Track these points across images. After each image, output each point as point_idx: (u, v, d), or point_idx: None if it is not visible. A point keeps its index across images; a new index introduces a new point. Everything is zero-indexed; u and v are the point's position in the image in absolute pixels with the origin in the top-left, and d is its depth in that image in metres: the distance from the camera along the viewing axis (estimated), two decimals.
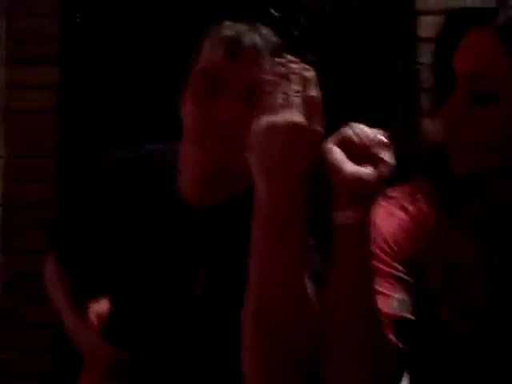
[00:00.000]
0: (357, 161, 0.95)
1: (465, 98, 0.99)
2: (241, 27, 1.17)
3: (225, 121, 1.11)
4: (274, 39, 1.18)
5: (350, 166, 0.94)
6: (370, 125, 0.99)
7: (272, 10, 2.25)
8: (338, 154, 0.95)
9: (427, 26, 2.16)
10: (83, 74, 2.41)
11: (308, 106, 0.91)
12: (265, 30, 1.19)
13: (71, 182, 1.49)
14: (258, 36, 1.16)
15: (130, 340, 1.24)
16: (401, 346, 1.00)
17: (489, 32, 0.97)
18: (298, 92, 0.92)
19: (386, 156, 0.94)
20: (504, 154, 0.99)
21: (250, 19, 1.21)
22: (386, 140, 0.96)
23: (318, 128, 0.92)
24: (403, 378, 1.14)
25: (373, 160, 0.94)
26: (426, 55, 2.01)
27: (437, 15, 2.11)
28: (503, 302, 1.03)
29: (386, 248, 1.05)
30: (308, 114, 0.91)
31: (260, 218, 0.93)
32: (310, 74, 0.93)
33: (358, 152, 0.95)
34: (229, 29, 1.16)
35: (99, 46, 2.40)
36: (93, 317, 1.35)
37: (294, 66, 0.94)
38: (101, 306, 1.35)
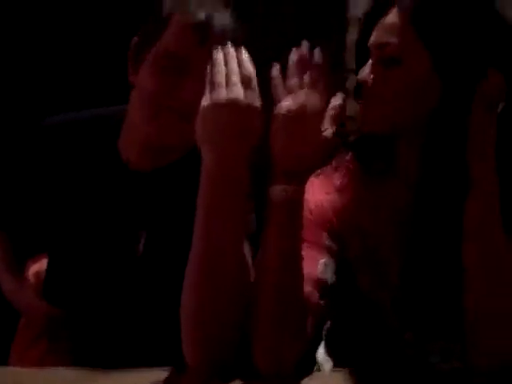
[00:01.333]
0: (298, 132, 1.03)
1: (375, 64, 1.10)
2: (209, 7, 1.19)
3: (187, 101, 1.14)
4: (237, 22, 1.22)
5: (289, 141, 1.03)
6: None
7: None
8: (282, 126, 1.03)
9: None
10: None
11: (246, 83, 1.00)
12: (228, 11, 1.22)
13: (10, 142, 1.49)
14: (227, 19, 1.19)
15: (69, 299, 1.27)
16: (321, 303, 1.09)
17: (395, 9, 1.09)
18: (236, 71, 1.01)
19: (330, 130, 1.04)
20: (408, 112, 1.09)
21: None
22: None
23: (258, 104, 1.00)
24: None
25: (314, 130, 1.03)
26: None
27: None
28: (416, 266, 1.13)
29: (312, 217, 1.14)
30: (247, 91, 1.00)
31: (206, 183, 1.02)
32: (246, 54, 1.02)
33: (302, 122, 1.03)
34: (197, 8, 1.18)
35: None
36: (31, 276, 1.37)
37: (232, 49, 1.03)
38: (40, 266, 1.36)
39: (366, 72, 1.10)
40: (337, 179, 1.19)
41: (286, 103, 1.04)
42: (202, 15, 1.17)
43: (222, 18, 1.18)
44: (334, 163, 1.20)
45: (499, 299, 1.05)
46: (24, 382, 1.04)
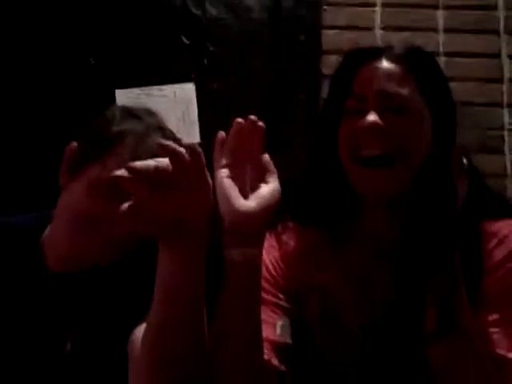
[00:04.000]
0: (243, 185, 1.01)
1: (378, 112, 1.11)
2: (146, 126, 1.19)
3: (117, 225, 1.14)
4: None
5: (237, 204, 1.00)
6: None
7: (183, 38, 2.29)
8: (227, 187, 1.01)
9: (331, 64, 2.25)
10: None
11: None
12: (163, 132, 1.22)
13: None
14: None
15: None
16: (283, 369, 1.07)
17: (390, 60, 1.14)
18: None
19: (274, 181, 1.02)
20: (413, 167, 1.08)
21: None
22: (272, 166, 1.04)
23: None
24: None
25: (258, 183, 1.02)
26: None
27: (339, 54, 2.23)
28: (377, 328, 1.11)
29: (269, 278, 1.13)
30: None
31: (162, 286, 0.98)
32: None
33: (244, 174, 1.02)
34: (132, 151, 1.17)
35: None
36: None
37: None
38: None
39: (369, 119, 1.10)
40: (291, 238, 1.18)
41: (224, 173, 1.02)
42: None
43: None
44: (285, 223, 1.20)
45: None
46: None
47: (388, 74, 1.13)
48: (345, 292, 1.13)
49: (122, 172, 0.89)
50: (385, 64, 1.14)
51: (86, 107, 2.20)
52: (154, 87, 2.25)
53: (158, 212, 0.90)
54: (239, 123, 1.02)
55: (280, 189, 1.03)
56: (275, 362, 1.06)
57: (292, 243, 1.16)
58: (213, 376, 1.01)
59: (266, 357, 1.04)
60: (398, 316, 1.10)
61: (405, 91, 1.11)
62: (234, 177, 1.02)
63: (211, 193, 0.97)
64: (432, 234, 1.05)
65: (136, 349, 1.05)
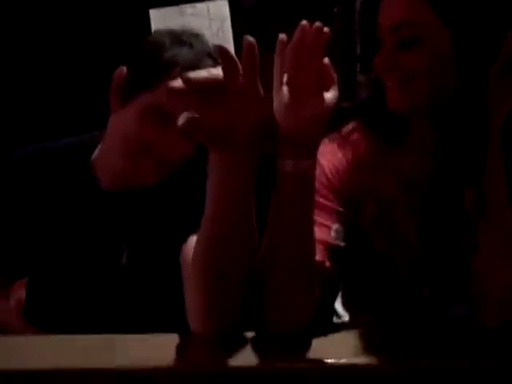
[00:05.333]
0: (302, 91, 0.98)
1: (392, 47, 1.09)
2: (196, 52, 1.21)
3: (168, 151, 1.20)
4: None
5: (295, 113, 0.99)
6: None
7: None
8: (284, 95, 1.00)
9: None
10: None
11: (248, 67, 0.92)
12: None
13: None
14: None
15: (52, 318, 1.29)
16: (334, 269, 1.10)
17: None
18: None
19: (332, 89, 1.00)
20: (429, 93, 1.09)
21: None
22: (332, 73, 1.01)
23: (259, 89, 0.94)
24: (337, 299, 1.28)
25: (319, 94, 0.99)
26: None
27: None
28: (431, 232, 1.15)
29: (326, 183, 1.14)
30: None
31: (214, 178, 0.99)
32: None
33: (304, 80, 0.98)
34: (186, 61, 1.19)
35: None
36: (13, 301, 1.37)
37: None
38: (21, 291, 1.37)
39: (384, 58, 1.09)
40: (348, 145, 1.19)
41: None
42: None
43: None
44: (343, 130, 1.20)
45: (505, 273, 1.07)
46: (39, 348, 1.05)
47: (402, 1, 1.08)
48: (398, 196, 1.16)
49: (177, 84, 0.90)
50: None
51: (121, 28, 2.21)
52: (188, 5, 2.25)
53: (212, 121, 0.92)
54: (304, 26, 0.97)
55: (338, 97, 1.01)
56: (327, 263, 1.09)
57: (350, 149, 1.18)
58: (265, 282, 1.04)
59: (318, 258, 1.07)
60: (449, 217, 1.13)
61: (416, 18, 1.06)
62: (292, 83, 1.00)
63: (263, 100, 0.96)
64: (465, 148, 1.09)
65: (189, 260, 1.08)
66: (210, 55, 1.21)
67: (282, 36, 1.01)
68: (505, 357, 1.00)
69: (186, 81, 0.90)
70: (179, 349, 1.03)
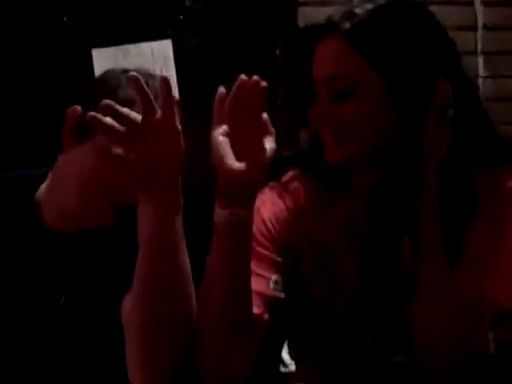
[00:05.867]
0: (240, 143, 1.02)
1: (327, 99, 1.09)
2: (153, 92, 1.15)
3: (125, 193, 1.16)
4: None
5: (233, 164, 1.01)
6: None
7: None
8: (222, 146, 1.02)
9: (306, 16, 2.26)
10: None
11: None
12: None
13: None
14: None
15: None
16: (273, 321, 1.10)
17: (337, 39, 1.09)
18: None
19: (270, 142, 1.03)
20: (365, 145, 1.10)
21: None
22: (270, 126, 1.04)
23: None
24: (283, 349, 1.26)
25: (256, 146, 1.02)
26: None
27: (316, 6, 2.23)
28: (372, 279, 1.14)
29: (266, 233, 1.14)
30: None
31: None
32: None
33: (243, 132, 1.02)
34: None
35: None
36: None
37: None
38: None
39: (319, 111, 1.10)
40: (288, 193, 1.19)
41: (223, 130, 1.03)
42: None
43: None
44: (283, 179, 1.21)
45: (439, 314, 1.08)
46: None
47: (335, 55, 1.09)
48: (338, 241, 1.16)
49: (99, 115, 0.96)
50: (332, 42, 1.09)
51: (63, 68, 2.18)
52: (131, 45, 2.23)
53: (132, 164, 0.97)
54: (243, 80, 1.01)
55: (275, 149, 1.03)
56: (266, 316, 1.09)
57: (290, 197, 1.18)
58: (200, 335, 1.04)
59: (256, 311, 1.07)
60: (378, 253, 1.13)
61: (349, 70, 1.07)
62: (230, 135, 1.02)
63: (181, 139, 1.01)
64: (402, 196, 1.10)
65: (127, 305, 1.08)
66: None
67: (221, 89, 1.04)
68: None
69: (105, 106, 0.96)
70: None
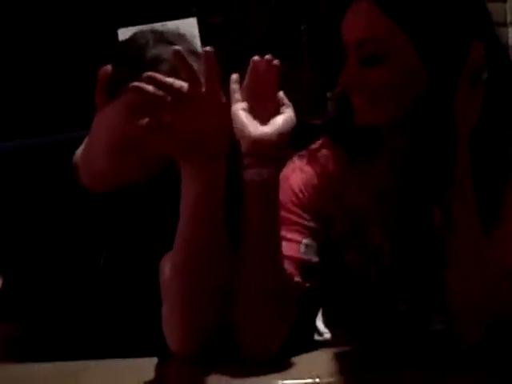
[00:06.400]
0: (260, 117, 1.06)
1: (356, 64, 1.09)
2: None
3: (155, 151, 1.15)
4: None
5: (253, 130, 1.05)
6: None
7: None
8: (242, 117, 1.06)
9: None
10: None
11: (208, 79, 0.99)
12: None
13: None
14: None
15: (27, 314, 1.27)
16: (307, 285, 1.11)
17: (366, 2, 1.08)
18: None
19: (288, 112, 1.07)
20: (396, 107, 1.10)
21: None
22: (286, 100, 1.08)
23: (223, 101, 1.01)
24: (318, 317, 1.26)
25: (275, 115, 1.06)
26: None
27: None
28: (403, 245, 1.14)
29: (295, 199, 1.15)
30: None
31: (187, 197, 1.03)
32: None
33: (262, 109, 1.07)
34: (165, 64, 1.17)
35: None
36: None
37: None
38: None
39: (348, 75, 1.09)
40: (317, 161, 1.19)
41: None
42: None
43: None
44: (311, 147, 1.21)
45: (478, 284, 1.06)
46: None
47: (364, 18, 1.08)
48: (368, 208, 1.16)
49: (142, 84, 0.97)
50: (361, 6, 1.08)
51: (91, 48, 2.19)
52: (157, 24, 2.23)
53: (178, 131, 0.98)
54: (256, 61, 1.05)
55: (294, 117, 1.07)
56: (298, 278, 1.10)
57: (319, 164, 1.19)
58: (235, 293, 1.05)
59: (287, 274, 1.08)
60: (420, 229, 1.12)
61: (379, 33, 1.06)
62: (249, 111, 1.07)
63: (227, 112, 1.04)
64: (432, 160, 1.08)
65: (166, 269, 1.09)
66: (193, 54, 1.18)
67: (234, 75, 1.10)
68: (489, 369, 1.01)
69: (150, 79, 0.97)
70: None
